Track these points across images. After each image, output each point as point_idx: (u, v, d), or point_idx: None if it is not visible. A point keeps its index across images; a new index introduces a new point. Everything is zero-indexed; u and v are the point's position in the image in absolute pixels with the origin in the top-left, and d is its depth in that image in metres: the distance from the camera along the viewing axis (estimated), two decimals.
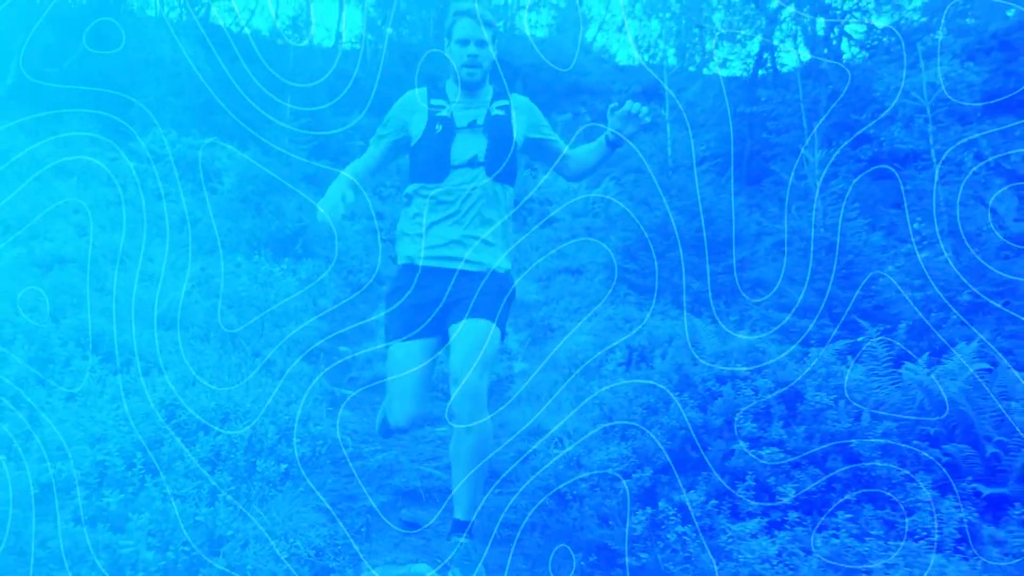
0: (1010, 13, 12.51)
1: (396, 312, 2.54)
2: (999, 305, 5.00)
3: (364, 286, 7.33)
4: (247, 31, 16.94)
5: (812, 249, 6.24)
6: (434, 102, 2.59)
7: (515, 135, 2.57)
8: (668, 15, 19.70)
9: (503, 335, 2.53)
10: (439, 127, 2.53)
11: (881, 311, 4.78)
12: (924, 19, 11.55)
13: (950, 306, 4.95)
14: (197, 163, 10.25)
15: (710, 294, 5.90)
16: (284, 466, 2.60)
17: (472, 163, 2.50)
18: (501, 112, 2.58)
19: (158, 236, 6.41)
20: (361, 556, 2.45)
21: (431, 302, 2.47)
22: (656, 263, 6.51)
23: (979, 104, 8.19)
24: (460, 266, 2.48)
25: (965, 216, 6.69)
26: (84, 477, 2.11)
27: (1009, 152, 8.58)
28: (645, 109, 2.42)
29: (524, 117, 2.62)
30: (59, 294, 3.84)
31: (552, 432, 3.36)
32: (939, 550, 2.36)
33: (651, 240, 6.89)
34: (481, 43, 2.53)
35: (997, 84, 10.85)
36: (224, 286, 5.39)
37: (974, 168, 7.62)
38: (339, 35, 18.04)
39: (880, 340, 3.46)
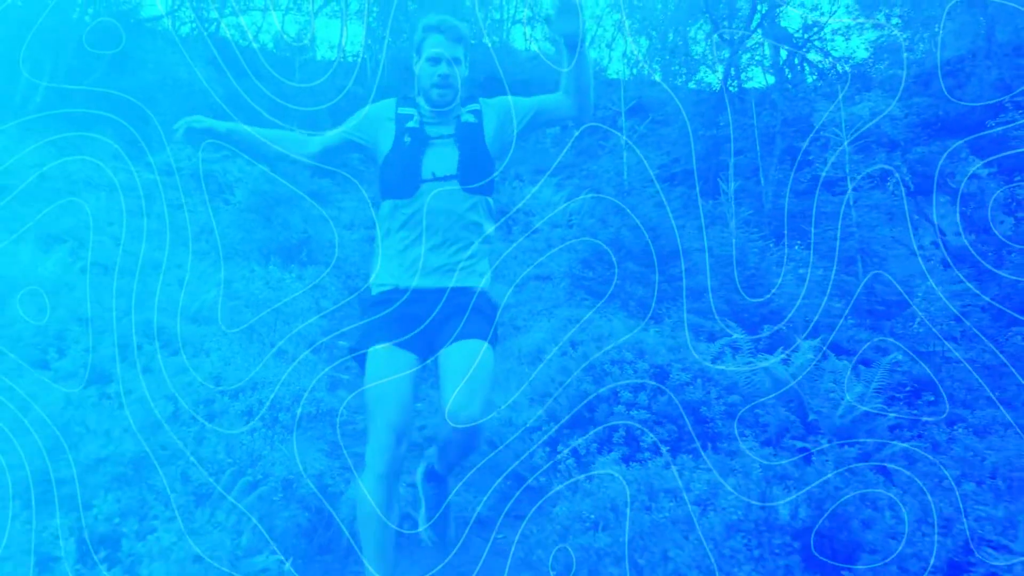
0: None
1: (377, 321, 2.37)
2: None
3: (361, 290, 8.39)
4: (255, 46, 18.07)
5: (737, 263, 7.34)
6: (402, 111, 2.43)
7: (488, 142, 2.41)
8: (655, 33, 20.91)
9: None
10: (407, 139, 2.37)
11: (777, 314, 5.87)
12: (869, 54, 12.63)
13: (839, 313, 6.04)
14: (211, 176, 11.32)
15: (654, 300, 7.00)
16: (300, 410, 3.70)
17: (444, 178, 2.34)
18: (472, 117, 2.41)
19: (181, 245, 7.50)
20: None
21: (415, 317, 2.34)
22: (609, 272, 7.62)
23: (901, 136, 9.30)
24: (448, 284, 2.36)
25: (875, 236, 7.78)
26: (167, 420, 3.20)
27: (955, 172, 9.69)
28: None
29: (500, 118, 2.44)
30: (120, 296, 4.93)
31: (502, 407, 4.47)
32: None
33: (607, 252, 8.00)
34: (453, 61, 2.36)
35: (942, 109, 12.00)
36: (242, 289, 6.49)
37: (892, 189, 8.71)
38: (341, 48, 19.20)
39: (746, 337, 4.56)
